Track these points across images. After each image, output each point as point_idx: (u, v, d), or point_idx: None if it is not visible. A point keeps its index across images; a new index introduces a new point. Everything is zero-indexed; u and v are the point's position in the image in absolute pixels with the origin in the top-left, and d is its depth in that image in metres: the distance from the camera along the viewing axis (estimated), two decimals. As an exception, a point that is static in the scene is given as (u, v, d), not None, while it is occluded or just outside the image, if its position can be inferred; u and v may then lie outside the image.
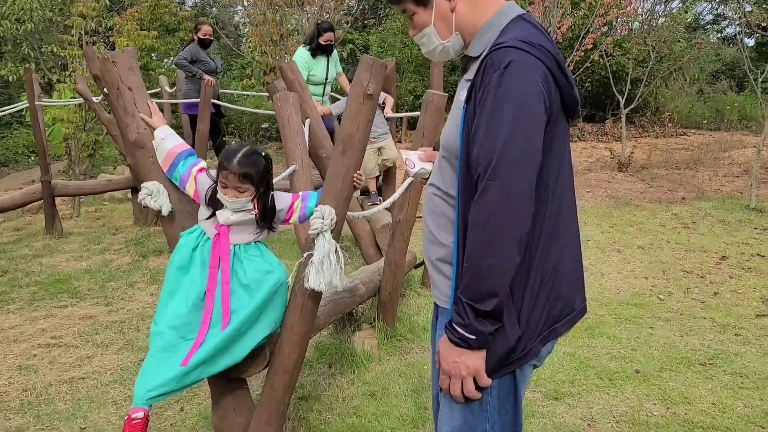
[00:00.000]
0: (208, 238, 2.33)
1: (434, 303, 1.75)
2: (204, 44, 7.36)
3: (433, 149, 2.03)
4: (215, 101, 7.12)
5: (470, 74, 1.56)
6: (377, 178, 6.48)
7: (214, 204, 2.31)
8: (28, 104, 7.32)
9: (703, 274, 5.53)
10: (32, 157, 17.24)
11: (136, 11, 9.84)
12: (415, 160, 1.95)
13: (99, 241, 7.17)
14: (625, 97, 10.48)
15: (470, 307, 1.45)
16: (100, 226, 8.44)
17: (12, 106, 9.10)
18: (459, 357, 1.49)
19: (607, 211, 7.83)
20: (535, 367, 1.63)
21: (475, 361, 1.49)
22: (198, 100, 6.75)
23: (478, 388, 1.51)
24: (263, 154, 2.30)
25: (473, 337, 1.46)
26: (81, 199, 9.49)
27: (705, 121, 14.39)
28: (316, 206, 2.33)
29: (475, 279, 1.44)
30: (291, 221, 2.43)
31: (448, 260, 1.59)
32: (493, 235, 1.41)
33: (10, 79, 12.51)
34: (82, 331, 4.32)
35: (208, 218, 2.32)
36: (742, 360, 3.75)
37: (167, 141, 2.39)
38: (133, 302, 4.99)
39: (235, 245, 2.33)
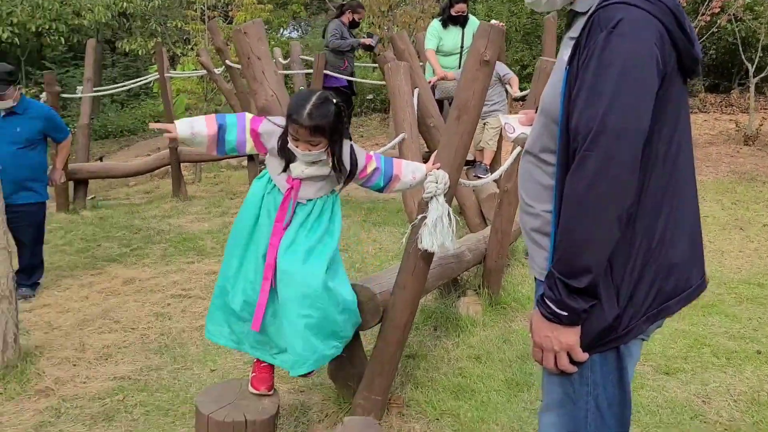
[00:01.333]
0: (275, 185, 2.28)
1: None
2: (354, 25, 7.71)
3: (535, 112, 1.94)
4: (349, 78, 7.38)
5: (575, 31, 1.45)
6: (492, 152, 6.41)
7: (286, 155, 2.22)
8: (158, 76, 7.89)
9: None
10: (157, 127, 18.54)
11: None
12: (514, 124, 1.85)
13: (218, 204, 7.67)
14: (754, 66, 9.70)
15: (562, 282, 1.38)
16: (219, 191, 9.00)
17: (143, 78, 9.79)
18: (551, 332, 1.44)
19: (729, 186, 7.37)
20: (642, 340, 1.55)
21: (568, 336, 1.42)
22: (332, 73, 7.06)
23: (574, 362, 1.45)
24: (334, 101, 2.18)
25: (565, 313, 1.39)
26: (201, 166, 10.12)
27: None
28: (385, 184, 2.35)
29: (568, 254, 1.37)
30: (359, 181, 2.37)
31: (544, 231, 1.52)
32: (590, 209, 1.33)
33: (139, 53, 13.44)
34: (208, 285, 4.69)
35: (281, 172, 2.25)
36: None
37: (197, 127, 2.22)
38: (251, 261, 5.34)
39: (299, 201, 2.28)
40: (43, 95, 7.21)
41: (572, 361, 1.46)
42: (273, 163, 2.28)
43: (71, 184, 7.55)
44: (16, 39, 13.44)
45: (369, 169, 2.34)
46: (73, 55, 19.12)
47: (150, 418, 2.84)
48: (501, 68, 6.15)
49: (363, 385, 2.63)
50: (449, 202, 2.38)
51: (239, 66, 6.69)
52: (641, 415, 2.81)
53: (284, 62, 7.90)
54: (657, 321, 1.49)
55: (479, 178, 5.66)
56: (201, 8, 10.10)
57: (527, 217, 1.60)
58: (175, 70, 12.84)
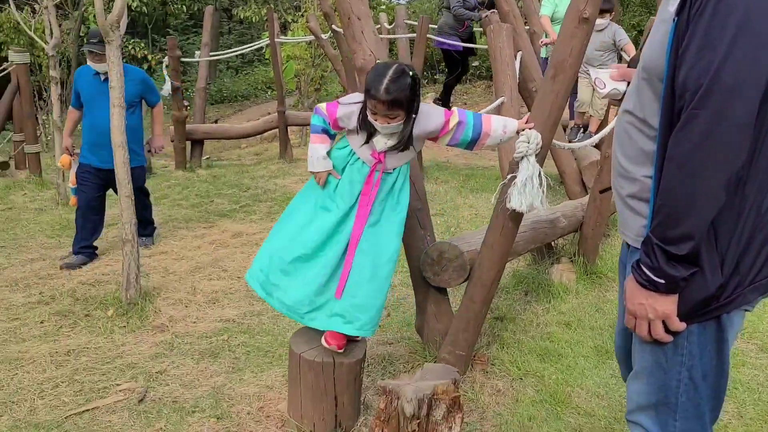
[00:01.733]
0: (358, 158, 2.33)
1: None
2: None
3: (628, 66, 1.82)
4: (465, 44, 7.30)
5: None
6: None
7: (368, 128, 2.27)
8: (269, 41, 8.19)
9: None
10: (268, 92, 19.26)
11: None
12: (605, 80, 1.77)
13: (322, 167, 7.93)
14: None
15: (661, 249, 1.31)
16: (323, 155, 9.31)
17: (255, 43, 10.19)
18: (645, 299, 1.37)
19: None
20: (745, 311, 1.46)
21: (664, 305, 1.36)
22: (445, 40, 7.08)
23: (669, 331, 1.39)
24: (410, 73, 2.19)
25: (662, 281, 1.33)
26: (306, 130, 10.48)
27: None
28: (473, 140, 2.30)
29: (669, 220, 1.29)
30: (439, 140, 2.35)
31: (642, 197, 1.43)
32: (694, 172, 1.25)
33: (253, 20, 13.96)
34: (307, 242, 4.93)
35: (363, 144, 2.30)
36: None
37: (317, 150, 2.37)
38: (349, 221, 5.52)
39: (386, 171, 2.34)
40: (165, 59, 7.71)
41: (668, 330, 1.39)
42: (355, 138, 2.34)
43: (188, 144, 8.09)
44: (144, 8, 14.35)
45: (450, 125, 2.30)
46: (193, 23, 20.18)
47: (250, 357, 3.07)
48: (618, 33, 5.86)
49: (448, 340, 2.70)
50: (541, 162, 2.36)
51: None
52: (739, 392, 2.70)
53: (389, 27, 7.94)
54: (765, 293, 1.41)
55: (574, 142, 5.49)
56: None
57: (624, 181, 1.49)
58: (285, 36, 13.25)
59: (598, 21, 5.49)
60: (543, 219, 3.45)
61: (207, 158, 9.00)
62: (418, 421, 1.80)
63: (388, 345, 3.14)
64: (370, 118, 2.24)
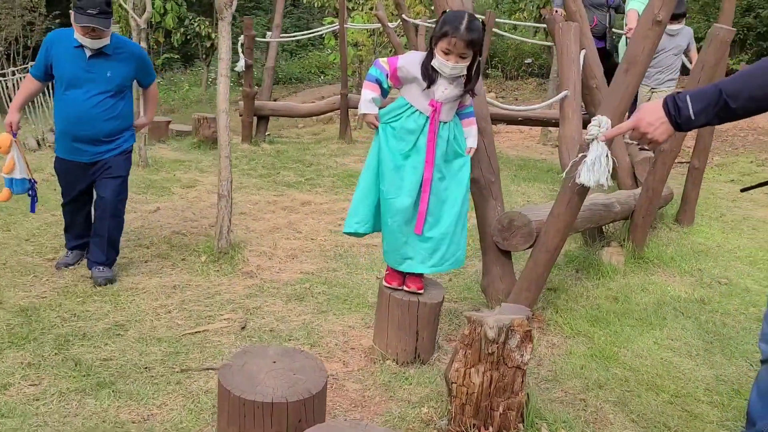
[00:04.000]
0: (414, 110, 2.62)
1: None
2: None
3: None
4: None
5: None
6: None
7: (431, 75, 2.54)
8: (335, 27, 8.61)
9: None
10: (321, 77, 19.77)
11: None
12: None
13: (379, 149, 8.34)
14: None
15: (722, 98, 1.68)
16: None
17: (325, 27, 10.61)
18: (657, 121, 1.78)
19: None
20: None
21: (664, 134, 1.78)
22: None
23: None
24: (480, 19, 2.52)
25: (687, 114, 1.73)
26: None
27: None
28: (466, 116, 2.76)
29: (747, 87, 1.64)
30: (460, 105, 2.73)
31: None
32: None
33: (316, 4, 14.38)
34: (372, 214, 5.34)
35: (424, 90, 2.58)
36: None
37: (368, 97, 2.67)
38: (409, 199, 5.91)
39: (440, 122, 2.63)
40: (241, 38, 8.20)
41: None
42: (412, 90, 2.64)
43: (255, 119, 8.59)
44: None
45: (468, 101, 2.78)
46: (253, 5, 20.80)
47: (331, 303, 3.50)
48: (689, 38, 6.06)
49: (511, 298, 3.07)
50: (609, 144, 2.70)
51: (415, 21, 7.19)
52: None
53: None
54: None
55: (644, 149, 5.77)
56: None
57: None
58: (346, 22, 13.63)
59: (674, 27, 5.73)
60: (600, 202, 3.79)
61: (268, 135, 9.49)
62: (497, 345, 2.19)
63: (453, 302, 3.54)
64: (440, 59, 2.52)
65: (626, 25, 6.20)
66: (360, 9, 12.14)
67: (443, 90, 2.63)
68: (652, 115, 1.80)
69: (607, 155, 2.67)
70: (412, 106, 2.68)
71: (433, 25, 2.74)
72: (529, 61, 15.76)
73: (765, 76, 1.64)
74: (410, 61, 2.66)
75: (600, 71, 5.15)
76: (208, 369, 2.69)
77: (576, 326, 3.26)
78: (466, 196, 2.76)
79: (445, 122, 2.69)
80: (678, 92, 1.80)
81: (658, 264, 4.22)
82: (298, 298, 3.56)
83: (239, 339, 3.02)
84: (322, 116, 10.94)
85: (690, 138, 5.74)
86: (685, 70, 6.30)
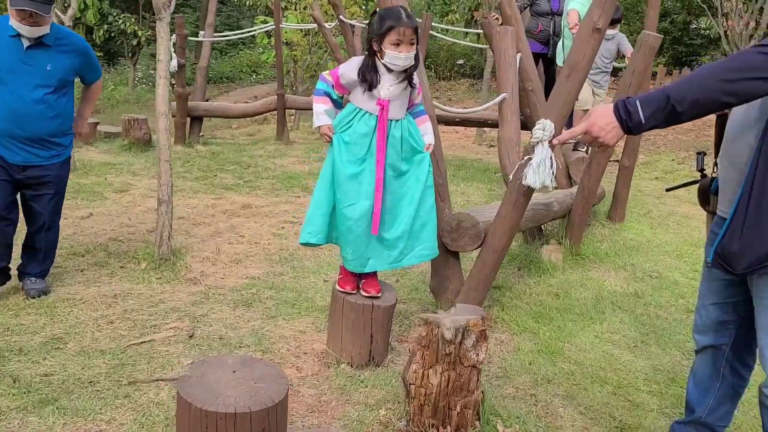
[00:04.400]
0: (364, 112, 2.66)
1: None
2: None
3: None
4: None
5: None
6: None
7: (371, 75, 2.62)
8: (270, 26, 8.51)
9: None
10: (253, 76, 19.48)
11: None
12: None
13: (317, 150, 8.29)
14: None
15: (670, 103, 1.75)
16: (315, 138, 9.64)
17: (262, 26, 10.45)
18: (607, 126, 1.84)
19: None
20: None
21: (614, 137, 1.86)
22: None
23: None
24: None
25: (636, 120, 1.80)
26: (300, 114, 10.80)
27: None
28: (418, 116, 2.82)
29: (691, 92, 1.73)
30: (410, 104, 2.80)
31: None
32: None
33: (246, 3, 14.16)
34: (314, 216, 5.31)
35: (367, 92, 2.64)
36: None
37: (321, 109, 2.73)
38: (350, 201, 5.92)
39: (391, 120, 2.67)
40: (173, 37, 7.96)
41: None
42: (358, 95, 2.69)
43: (188, 120, 8.36)
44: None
45: (418, 99, 2.84)
46: (182, 2, 20.23)
47: (280, 308, 3.47)
48: (623, 42, 6.34)
49: (460, 297, 3.13)
50: (552, 147, 2.80)
51: (352, 21, 7.20)
52: None
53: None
54: None
55: (578, 150, 6.00)
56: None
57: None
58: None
59: (609, 31, 5.96)
60: (540, 202, 3.92)
61: (201, 136, 9.27)
62: (454, 345, 2.23)
63: (402, 303, 3.57)
64: (391, 53, 2.59)
65: (567, 25, 6.42)
66: (293, 8, 12.03)
67: (388, 88, 2.68)
68: (603, 120, 1.85)
69: (551, 158, 2.76)
70: (360, 109, 2.71)
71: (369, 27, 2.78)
72: (461, 62, 16.08)
73: (706, 81, 1.73)
74: (350, 68, 2.72)
75: (535, 74, 5.31)
76: (157, 380, 2.62)
77: (522, 323, 3.36)
78: (427, 192, 2.78)
79: (397, 120, 2.72)
80: (628, 97, 1.88)
81: (593, 260, 4.40)
82: (245, 303, 3.50)
83: (188, 348, 2.95)
84: (257, 117, 10.80)
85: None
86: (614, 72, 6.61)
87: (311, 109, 9.80)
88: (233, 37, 10.86)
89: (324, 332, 3.17)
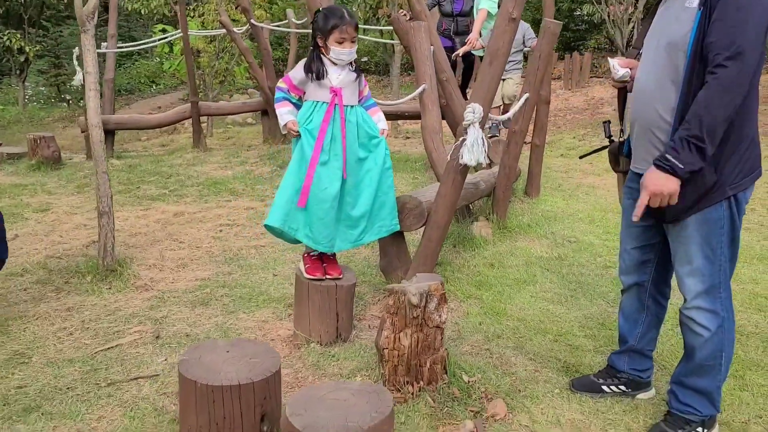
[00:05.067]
0: (321, 102, 2.87)
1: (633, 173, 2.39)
2: None
3: (626, 57, 2.56)
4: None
5: None
6: (499, 108, 7.18)
7: (318, 67, 2.84)
8: (176, 34, 8.43)
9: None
10: (153, 87, 18.94)
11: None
12: (617, 66, 2.49)
13: (237, 155, 8.32)
14: None
15: (691, 143, 1.97)
16: (232, 144, 9.65)
17: (169, 35, 10.27)
18: (664, 181, 2.05)
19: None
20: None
21: (675, 185, 2.04)
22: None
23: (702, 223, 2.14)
24: None
25: (681, 166, 2.00)
26: (213, 120, 10.73)
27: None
28: (369, 107, 3.05)
29: (702, 126, 1.96)
30: (362, 92, 3.04)
31: (665, 133, 2.15)
32: (723, 102, 1.95)
33: (142, 12, 13.81)
34: (250, 217, 5.42)
35: (317, 81, 2.85)
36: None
37: (284, 113, 2.94)
38: (281, 199, 6.05)
39: (346, 105, 2.90)
40: (76, 50, 7.74)
41: (672, 216, 2.17)
42: (311, 89, 2.91)
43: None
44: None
45: (366, 91, 3.08)
46: (67, 15, 19.31)
47: (237, 303, 3.59)
48: (528, 32, 6.82)
49: (409, 273, 3.39)
50: (482, 127, 3.11)
51: (263, 25, 7.30)
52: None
53: (298, 23, 8.47)
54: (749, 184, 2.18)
55: (495, 135, 6.42)
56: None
57: (659, 123, 2.20)
58: (176, 29, 13.26)
59: None
60: (469, 182, 4.24)
61: (113, 150, 9.05)
62: (420, 309, 2.48)
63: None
64: (336, 50, 2.82)
65: (476, 17, 6.93)
66: (190, 16, 11.89)
67: (337, 76, 2.90)
68: (657, 180, 2.09)
69: (482, 138, 3.07)
70: (316, 101, 2.92)
71: (283, 28, 2.98)
72: (365, 59, 16.40)
73: (716, 101, 2.00)
74: (298, 69, 2.95)
75: (448, 66, 5.67)
76: (136, 378, 2.70)
77: (466, 291, 3.67)
78: (385, 174, 3.02)
79: (351, 106, 2.95)
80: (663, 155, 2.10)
81: (518, 232, 4.79)
82: (202, 303, 3.60)
83: (157, 348, 3.03)
84: (167, 127, 10.62)
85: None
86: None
87: (224, 115, 9.92)
88: (139, 47, 10.62)
89: (285, 320, 3.34)
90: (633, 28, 8.57)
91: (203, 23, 11.33)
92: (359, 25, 3.05)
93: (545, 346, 3.07)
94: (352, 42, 2.87)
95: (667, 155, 2.05)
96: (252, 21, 6.97)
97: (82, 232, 5.02)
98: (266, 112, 8.75)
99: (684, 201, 2.14)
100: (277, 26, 8.65)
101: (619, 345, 2.72)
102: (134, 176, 7.16)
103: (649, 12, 2.45)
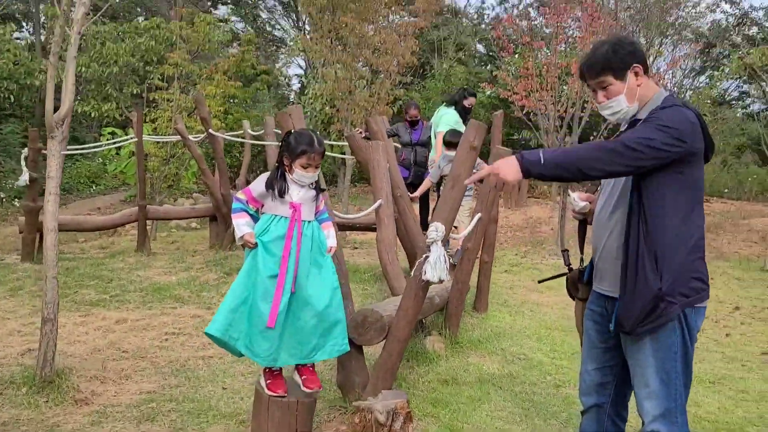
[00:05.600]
0: (280, 218, 2.93)
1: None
2: (412, 124, 8.00)
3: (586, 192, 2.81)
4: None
5: None
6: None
7: (281, 184, 2.92)
8: (135, 138, 8.49)
9: (717, 319, 6.34)
10: (93, 187, 18.65)
11: (225, 63, 11.11)
12: (577, 199, 2.62)
13: (182, 260, 8.17)
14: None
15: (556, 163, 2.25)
16: (176, 249, 9.49)
17: (122, 138, 10.30)
18: (512, 166, 2.28)
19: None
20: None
21: (518, 174, 2.27)
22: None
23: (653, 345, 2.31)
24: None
25: (527, 166, 2.25)
26: (157, 224, 10.58)
27: (727, 191, 15.22)
28: (323, 221, 3.13)
29: (578, 163, 2.24)
30: (319, 206, 3.11)
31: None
32: (611, 155, 2.25)
33: (93, 115, 13.88)
34: (196, 326, 5.26)
35: (278, 198, 2.92)
36: (746, 382, 4.55)
37: (242, 224, 2.97)
38: (229, 308, 5.92)
39: (304, 221, 2.96)
40: (25, 151, 7.67)
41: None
42: (270, 204, 2.98)
43: (38, 236, 7.89)
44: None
45: (323, 205, 3.18)
46: (11, 113, 19.15)
47: (186, 419, 3.43)
48: (479, 162, 7.17)
49: (369, 389, 3.36)
50: (445, 246, 3.24)
51: (219, 134, 7.48)
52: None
53: (253, 133, 8.70)
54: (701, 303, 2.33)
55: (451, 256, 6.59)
56: (175, 77, 10.84)
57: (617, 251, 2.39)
58: (127, 133, 13.35)
59: (451, 153, 6.62)
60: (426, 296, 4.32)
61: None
62: (386, 428, 2.46)
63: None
64: (299, 173, 2.93)
65: (434, 142, 7.20)
66: (146, 121, 12.06)
67: (297, 192, 2.98)
68: (506, 162, 2.28)
69: (444, 255, 3.19)
70: (275, 215, 2.98)
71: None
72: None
73: (591, 151, 2.26)
74: (259, 183, 3.02)
75: (402, 183, 5.92)
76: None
77: (423, 408, 3.63)
78: (335, 293, 3.02)
79: (309, 221, 3.01)
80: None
81: (470, 347, 4.85)
82: (148, 419, 3.42)
83: (100, 469, 2.83)
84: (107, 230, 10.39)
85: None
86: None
87: (171, 219, 9.78)
88: (93, 149, 10.60)
89: (239, 437, 3.21)
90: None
91: (156, 129, 11.47)
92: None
93: (505, 467, 3.05)
94: (317, 168, 2.99)
95: (526, 151, 2.27)
96: (210, 130, 7.14)
97: (16, 338, 4.75)
98: (215, 217, 8.74)
99: (637, 309, 2.28)
100: (234, 136, 8.87)
101: (580, 469, 2.74)
102: (71, 280, 6.89)
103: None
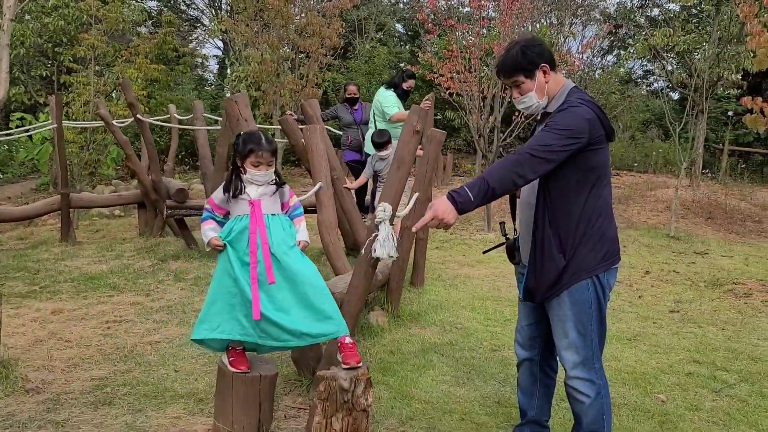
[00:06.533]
0: (243, 215, 2.97)
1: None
2: (351, 102, 7.95)
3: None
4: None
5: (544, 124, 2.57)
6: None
7: (236, 184, 2.99)
8: (54, 124, 8.16)
9: (630, 283, 6.91)
10: (1, 175, 17.63)
11: (146, 45, 10.76)
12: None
13: (111, 248, 8.01)
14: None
15: (490, 188, 2.46)
16: (101, 237, 9.24)
17: (41, 124, 9.82)
18: (447, 208, 2.47)
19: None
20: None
21: (453, 215, 2.46)
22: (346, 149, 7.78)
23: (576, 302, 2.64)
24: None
25: (462, 205, 2.47)
26: (81, 212, 10.23)
27: (635, 164, 16.28)
28: (296, 217, 3.19)
29: (506, 179, 2.48)
30: (286, 206, 3.16)
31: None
32: (518, 167, 2.51)
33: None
34: (138, 313, 5.25)
35: (237, 197, 2.99)
36: (657, 338, 5.05)
37: (209, 231, 3.05)
38: (168, 294, 5.92)
39: (266, 214, 3.00)
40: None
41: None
42: (232, 206, 3.05)
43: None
44: None
45: (294, 198, 3.21)
46: None
47: (143, 401, 3.49)
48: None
49: (323, 362, 3.54)
50: (391, 224, 3.44)
51: (145, 118, 7.33)
52: (512, 379, 4.00)
53: (181, 118, 8.57)
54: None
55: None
56: (90, 59, 10.41)
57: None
58: (37, 118, 12.74)
59: (383, 153, 6.73)
60: (395, 258, 4.52)
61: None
62: (350, 393, 2.65)
63: (263, 378, 3.83)
64: (252, 172, 2.99)
65: (380, 119, 7.26)
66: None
67: (255, 190, 3.05)
68: (442, 206, 2.46)
69: (392, 233, 3.39)
70: (238, 216, 3.04)
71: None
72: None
73: (505, 168, 2.49)
74: (218, 190, 3.10)
75: (338, 165, 6.07)
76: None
77: (373, 378, 3.82)
78: (311, 281, 3.01)
79: (273, 214, 3.07)
80: (460, 187, 2.56)
81: (411, 319, 5.11)
82: (105, 403, 3.46)
83: (66, 453, 2.88)
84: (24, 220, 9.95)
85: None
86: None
87: (96, 207, 9.51)
88: (7, 137, 10.04)
89: (199, 415, 3.32)
90: (491, 132, 9.67)
91: (69, 113, 11.02)
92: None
93: (453, 425, 3.32)
94: (269, 165, 3.02)
95: (465, 187, 2.46)
96: (138, 115, 6.99)
97: (-52, 334, 4.58)
98: (143, 204, 8.58)
99: (544, 282, 2.63)
100: (161, 121, 8.66)
101: (520, 418, 3.04)
102: (-5, 272, 6.65)
103: (531, 130, 2.98)
